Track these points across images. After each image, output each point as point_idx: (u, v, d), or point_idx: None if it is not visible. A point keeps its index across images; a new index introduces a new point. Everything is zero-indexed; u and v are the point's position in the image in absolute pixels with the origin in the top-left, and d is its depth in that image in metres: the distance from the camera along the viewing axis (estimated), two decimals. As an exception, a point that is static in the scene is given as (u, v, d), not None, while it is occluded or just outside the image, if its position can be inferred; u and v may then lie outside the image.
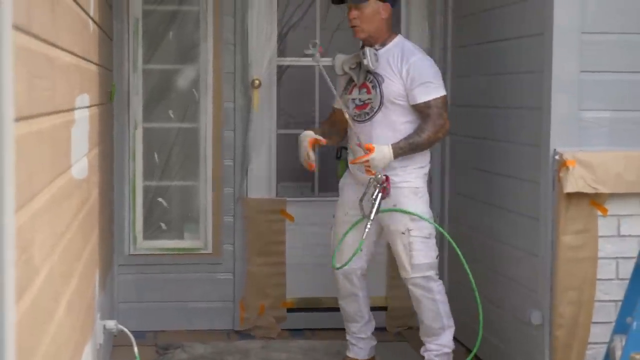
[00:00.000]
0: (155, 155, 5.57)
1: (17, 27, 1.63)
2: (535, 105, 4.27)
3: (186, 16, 5.54)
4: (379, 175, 4.30)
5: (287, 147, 5.70)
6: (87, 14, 3.31)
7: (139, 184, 5.54)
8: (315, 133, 4.57)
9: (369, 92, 4.50)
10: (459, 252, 4.47)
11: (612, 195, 4.12)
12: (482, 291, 5.04)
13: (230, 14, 5.49)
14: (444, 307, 4.54)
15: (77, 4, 2.88)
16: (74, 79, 2.80)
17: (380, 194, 4.29)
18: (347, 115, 4.50)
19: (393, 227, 4.48)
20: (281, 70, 5.79)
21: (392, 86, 4.44)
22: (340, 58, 4.57)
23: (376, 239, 4.69)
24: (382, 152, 4.32)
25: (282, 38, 5.75)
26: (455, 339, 5.03)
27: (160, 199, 5.59)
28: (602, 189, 4.08)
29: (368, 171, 4.36)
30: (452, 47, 5.56)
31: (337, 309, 5.21)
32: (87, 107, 3.30)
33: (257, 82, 5.50)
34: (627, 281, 3.48)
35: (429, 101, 4.40)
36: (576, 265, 4.11)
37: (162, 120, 5.54)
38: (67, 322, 2.52)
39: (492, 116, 4.91)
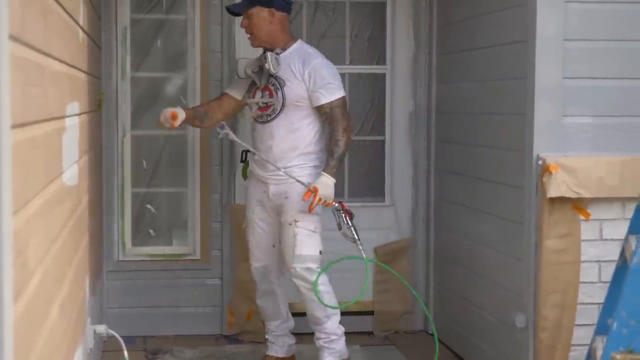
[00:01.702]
0: (144, 162, 5.60)
1: (12, 37, 1.68)
2: (519, 111, 4.33)
3: (174, 25, 5.58)
4: (335, 204, 4.52)
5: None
6: (77, 22, 3.35)
7: (128, 190, 5.57)
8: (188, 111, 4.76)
9: (271, 95, 4.65)
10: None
11: (594, 200, 4.18)
12: (466, 295, 5.10)
13: (217, 23, 5.54)
14: (327, 296, 4.63)
15: (67, 13, 2.93)
16: (65, 87, 2.84)
17: (348, 218, 4.52)
18: (251, 116, 4.76)
19: (283, 219, 4.63)
20: (268, 77, 5.82)
21: (294, 89, 4.59)
22: (243, 62, 4.73)
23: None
24: (324, 184, 4.49)
25: (269, 46, 5.79)
26: (442, 342, 5.08)
27: (148, 206, 5.62)
28: (585, 194, 4.13)
29: (327, 204, 4.52)
30: (437, 53, 5.62)
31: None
32: (77, 114, 3.34)
33: (244, 89, 5.56)
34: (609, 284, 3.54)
35: (332, 102, 4.57)
36: (559, 268, 4.16)
37: (150, 128, 5.57)
38: (60, 325, 2.57)
39: (476, 122, 4.97)
